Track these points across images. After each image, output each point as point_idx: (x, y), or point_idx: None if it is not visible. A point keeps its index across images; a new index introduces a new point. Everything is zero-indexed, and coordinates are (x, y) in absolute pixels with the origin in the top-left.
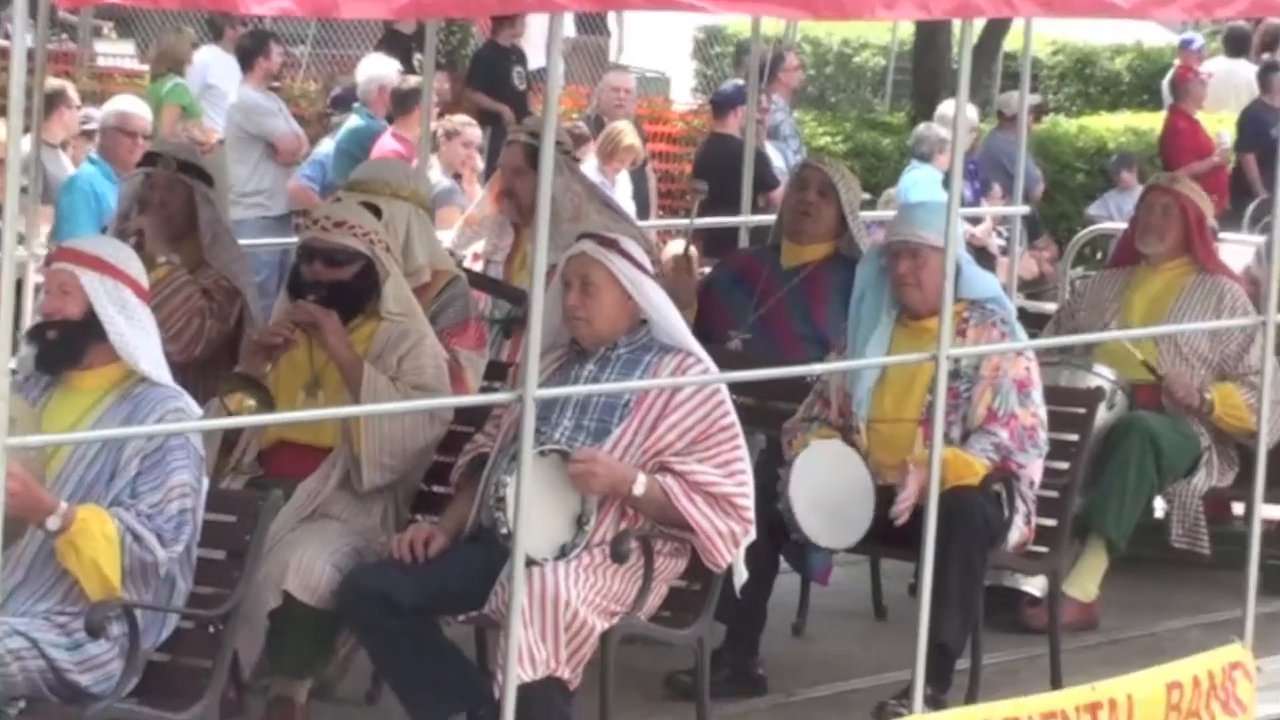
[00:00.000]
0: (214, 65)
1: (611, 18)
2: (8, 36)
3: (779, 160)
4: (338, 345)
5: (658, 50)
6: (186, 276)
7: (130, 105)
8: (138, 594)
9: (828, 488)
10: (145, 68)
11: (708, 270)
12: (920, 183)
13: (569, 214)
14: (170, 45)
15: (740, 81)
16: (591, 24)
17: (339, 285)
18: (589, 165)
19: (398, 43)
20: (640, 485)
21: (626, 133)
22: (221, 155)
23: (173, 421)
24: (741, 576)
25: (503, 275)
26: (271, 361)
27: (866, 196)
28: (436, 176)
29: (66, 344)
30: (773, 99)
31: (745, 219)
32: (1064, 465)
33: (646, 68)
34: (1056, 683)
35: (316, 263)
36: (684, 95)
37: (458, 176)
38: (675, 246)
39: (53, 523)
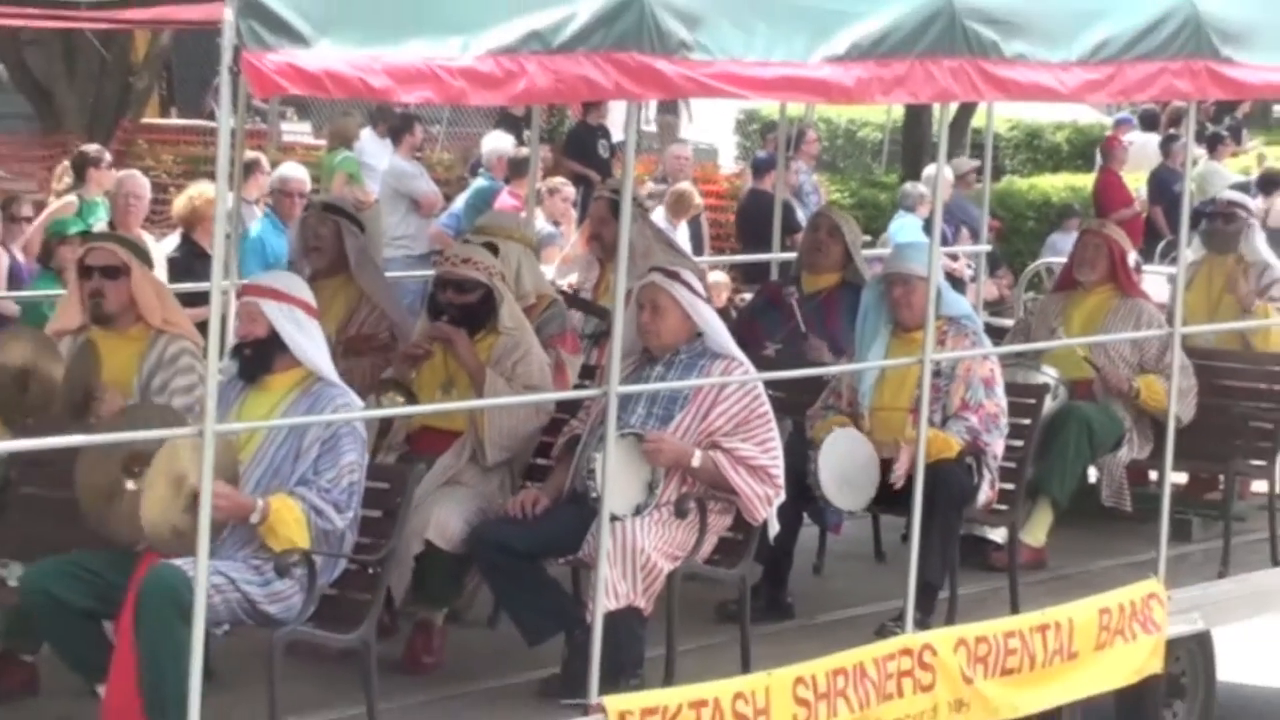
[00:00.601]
0: (369, 146)
1: (682, 100)
2: (213, 117)
3: (801, 211)
4: (466, 356)
5: (709, 127)
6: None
7: (291, 170)
8: (318, 547)
9: (845, 465)
10: (319, 143)
11: (749, 295)
12: (905, 227)
13: (641, 252)
14: (341, 126)
15: (772, 151)
16: (667, 106)
17: (466, 307)
18: (657, 214)
19: (511, 122)
20: (697, 459)
21: (694, 193)
22: (376, 211)
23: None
24: (774, 529)
25: (591, 299)
26: (415, 369)
27: (867, 238)
28: (541, 224)
29: (259, 357)
30: (798, 165)
31: (774, 255)
32: (1019, 443)
33: (700, 141)
34: (1015, 609)
35: (449, 290)
36: (729, 162)
37: (557, 224)
38: (717, 276)
39: (255, 517)
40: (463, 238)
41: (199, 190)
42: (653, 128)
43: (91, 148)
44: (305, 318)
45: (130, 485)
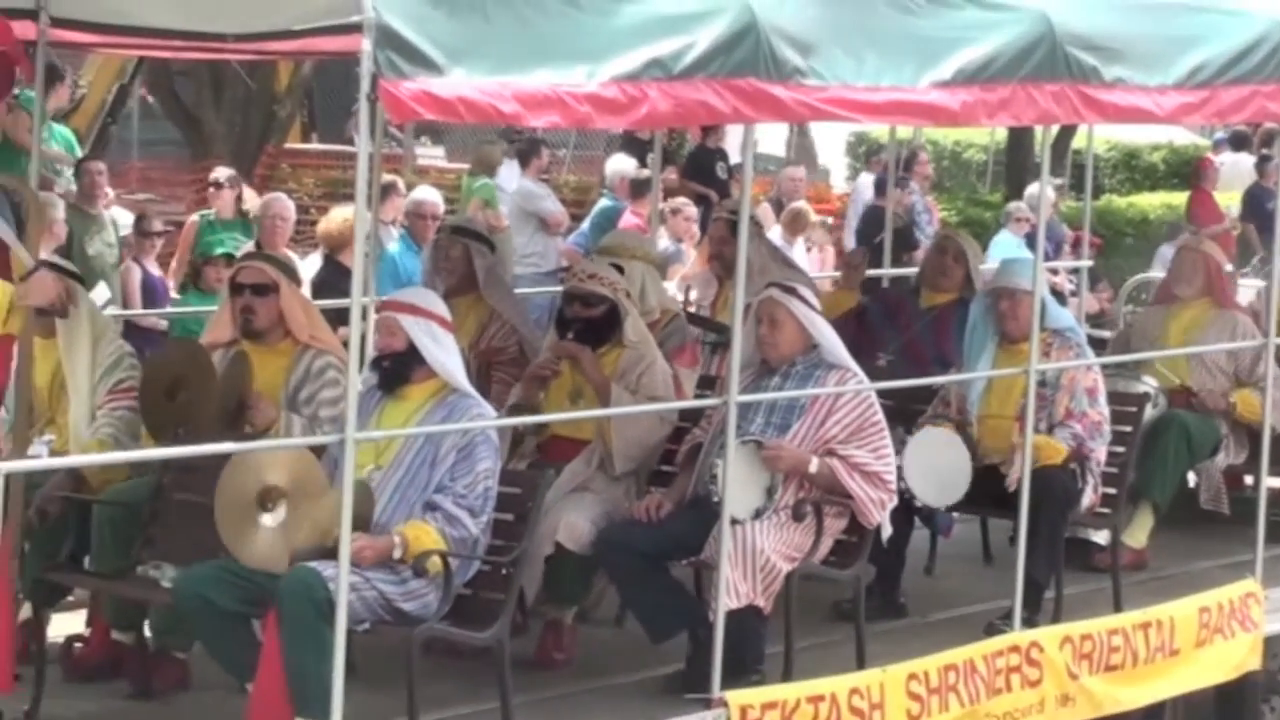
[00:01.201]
0: (502, 171)
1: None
2: (351, 142)
3: (917, 231)
4: (592, 372)
5: (821, 149)
6: (480, 354)
7: (425, 194)
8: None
9: (932, 461)
10: (452, 166)
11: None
12: (1001, 244)
13: (758, 268)
14: (486, 154)
15: (882, 172)
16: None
17: (591, 321)
18: (774, 233)
19: (635, 145)
20: (814, 465)
21: (809, 211)
22: (507, 234)
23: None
24: (887, 531)
25: (710, 315)
26: (544, 389)
27: None
28: (665, 243)
29: (397, 370)
30: (911, 185)
31: (886, 271)
32: (1121, 449)
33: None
34: (1118, 608)
35: (576, 305)
36: (840, 182)
37: (680, 242)
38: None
39: (396, 553)
40: (589, 256)
41: (341, 213)
42: (778, 150)
43: (226, 172)
44: (441, 331)
45: (266, 520)
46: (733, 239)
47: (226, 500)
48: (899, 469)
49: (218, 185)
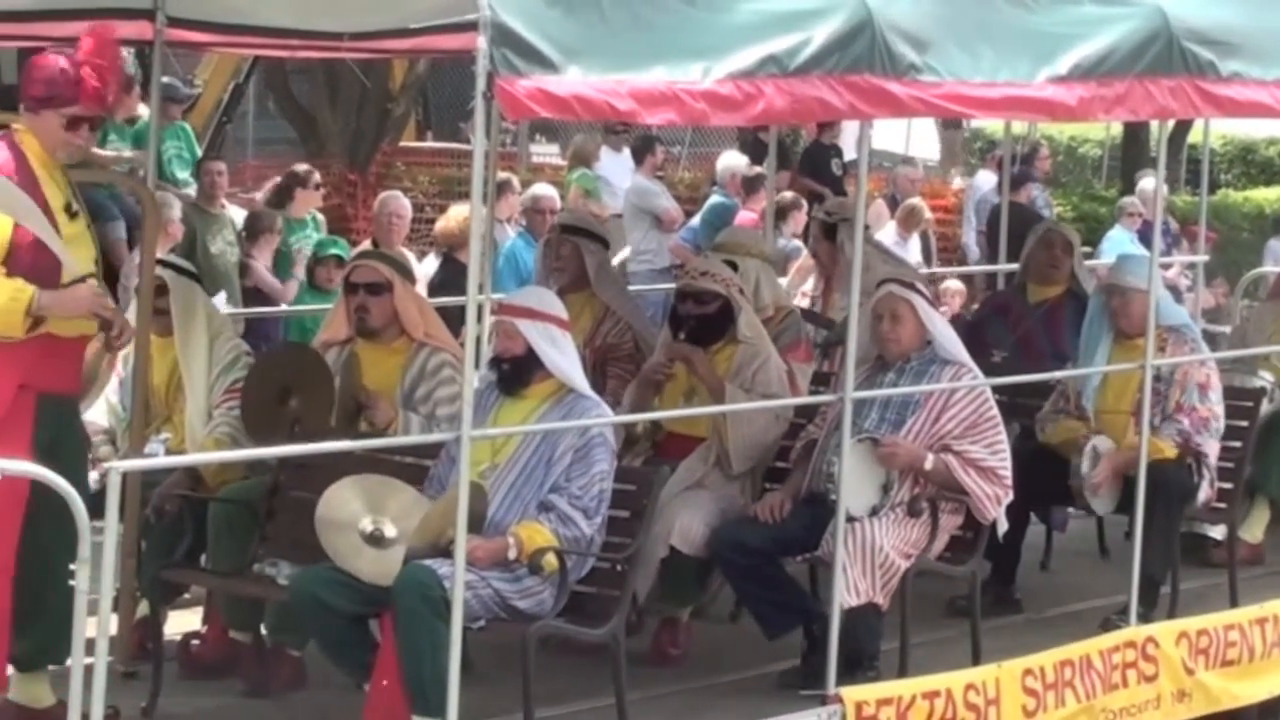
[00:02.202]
0: (606, 163)
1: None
2: (467, 140)
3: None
4: (705, 374)
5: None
6: (595, 351)
7: (541, 190)
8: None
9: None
10: (565, 164)
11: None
12: (1114, 239)
13: (863, 266)
14: (580, 145)
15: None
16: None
17: (705, 318)
18: (889, 229)
19: (750, 142)
20: (929, 462)
21: (923, 208)
22: (616, 225)
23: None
24: (1003, 527)
25: (821, 310)
26: (658, 393)
27: (1087, 249)
28: (785, 240)
29: (516, 373)
30: (1035, 176)
31: (1002, 267)
32: (1237, 444)
33: (928, 158)
34: (1234, 603)
35: (689, 301)
36: (955, 178)
37: (796, 237)
38: (953, 284)
39: (511, 554)
40: (703, 253)
41: (459, 212)
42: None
43: (301, 168)
44: (559, 333)
45: (367, 525)
46: (825, 240)
47: (334, 543)
48: (1081, 477)
49: (303, 184)
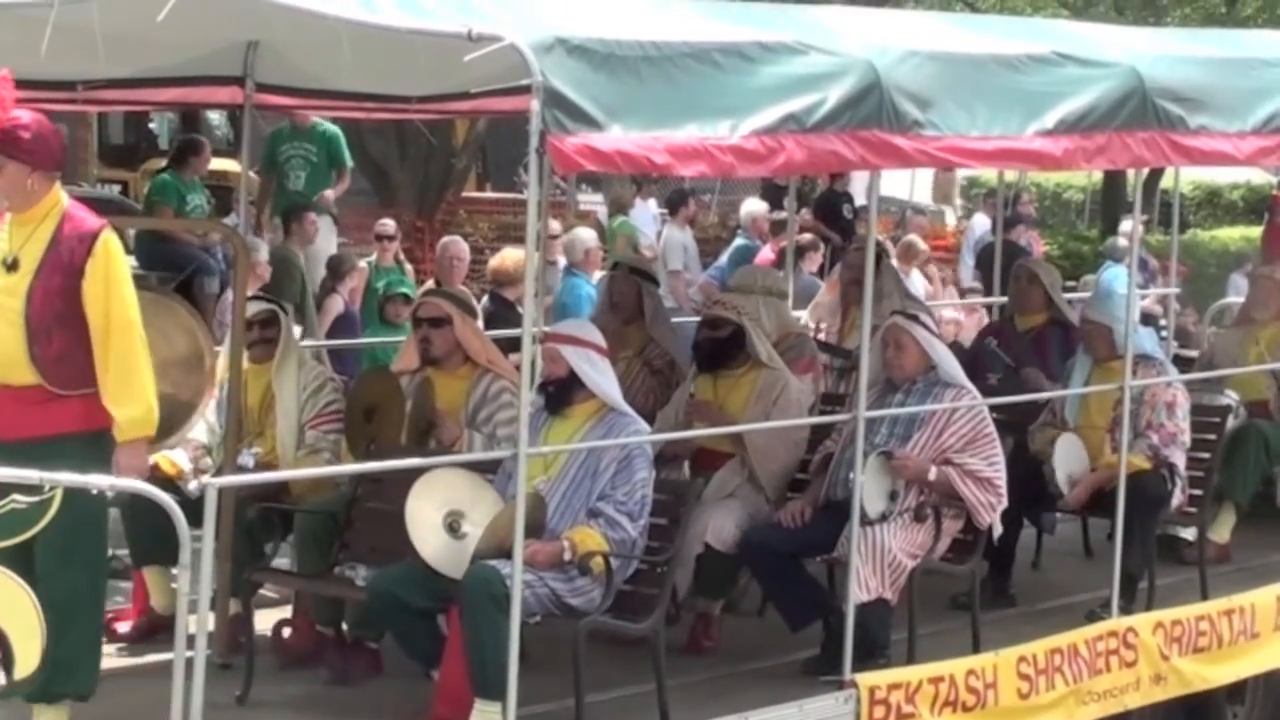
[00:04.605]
0: (639, 210)
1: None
2: (522, 190)
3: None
4: (720, 423)
5: (929, 190)
6: (638, 366)
7: (582, 234)
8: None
9: (1071, 464)
10: (607, 208)
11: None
12: (1120, 276)
13: (884, 294)
14: (618, 194)
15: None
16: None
17: (719, 341)
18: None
19: (772, 189)
20: (933, 473)
21: (919, 243)
22: (658, 267)
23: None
24: (998, 531)
25: (838, 339)
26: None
27: (1070, 283)
28: (807, 278)
29: (560, 393)
30: (1023, 219)
31: (995, 299)
32: (1207, 455)
33: (928, 204)
34: (1205, 596)
35: (705, 329)
36: (953, 220)
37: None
38: (949, 313)
39: (566, 555)
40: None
41: (511, 254)
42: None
43: (388, 227)
44: (598, 358)
45: (450, 515)
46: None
47: (418, 517)
48: (1050, 471)
49: (379, 238)
